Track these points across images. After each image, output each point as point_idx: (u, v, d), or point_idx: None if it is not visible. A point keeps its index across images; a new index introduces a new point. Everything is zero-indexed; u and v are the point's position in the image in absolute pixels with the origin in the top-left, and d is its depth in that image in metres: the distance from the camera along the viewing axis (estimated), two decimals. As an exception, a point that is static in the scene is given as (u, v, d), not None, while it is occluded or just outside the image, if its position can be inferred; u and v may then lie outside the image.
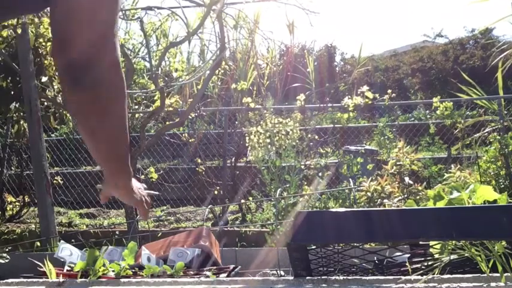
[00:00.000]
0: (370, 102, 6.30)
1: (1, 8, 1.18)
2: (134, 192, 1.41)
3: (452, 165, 4.37)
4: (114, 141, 1.24)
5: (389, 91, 6.48)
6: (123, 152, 1.29)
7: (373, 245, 2.57)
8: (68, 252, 2.19)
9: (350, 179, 4.45)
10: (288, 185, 4.61)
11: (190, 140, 6.53)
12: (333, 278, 1.30)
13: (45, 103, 5.12)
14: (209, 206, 4.56)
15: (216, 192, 5.71)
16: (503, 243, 1.25)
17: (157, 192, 1.66)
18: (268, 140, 5.12)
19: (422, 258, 1.42)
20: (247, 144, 5.35)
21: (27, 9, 1.32)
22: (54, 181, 5.84)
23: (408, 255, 1.55)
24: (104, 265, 1.55)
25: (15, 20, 4.36)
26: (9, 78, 4.91)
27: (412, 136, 6.83)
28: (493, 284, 1.16)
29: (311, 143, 5.95)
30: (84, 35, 1.11)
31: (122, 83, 1.18)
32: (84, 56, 1.10)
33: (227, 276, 1.96)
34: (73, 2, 1.12)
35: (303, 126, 6.13)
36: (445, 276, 1.24)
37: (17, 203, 6.06)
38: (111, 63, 1.14)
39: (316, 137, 6.28)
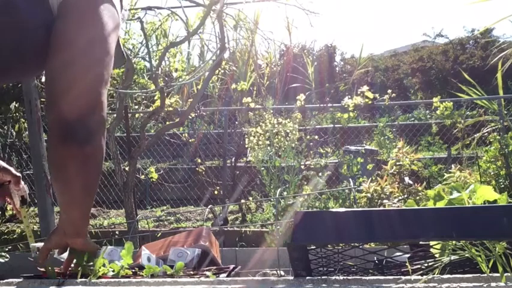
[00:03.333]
0: (370, 102, 6.30)
1: None
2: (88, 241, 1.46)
3: (452, 165, 4.37)
4: (85, 193, 1.28)
5: (389, 91, 6.48)
6: (91, 201, 1.33)
7: (373, 245, 2.57)
8: (68, 252, 2.18)
9: (350, 179, 4.45)
10: (287, 185, 4.61)
11: (190, 140, 6.52)
12: (333, 278, 1.30)
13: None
14: (209, 206, 4.55)
15: (216, 192, 5.70)
16: (503, 243, 1.25)
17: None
18: (267, 141, 5.12)
19: (423, 260, 1.42)
20: (246, 145, 5.35)
21: (20, 71, 1.28)
22: (54, 181, 5.82)
23: (408, 255, 1.55)
24: (104, 265, 1.55)
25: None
26: (9, 78, 4.90)
27: (412, 136, 6.83)
28: (493, 284, 1.16)
29: (311, 143, 5.95)
30: (73, 95, 1.14)
31: (103, 140, 1.21)
32: (72, 115, 1.12)
33: (227, 276, 1.96)
34: (63, 62, 1.15)
35: (303, 127, 6.13)
36: (445, 276, 1.24)
37: (17, 203, 6.04)
38: (98, 123, 1.17)
39: (316, 137, 6.27)
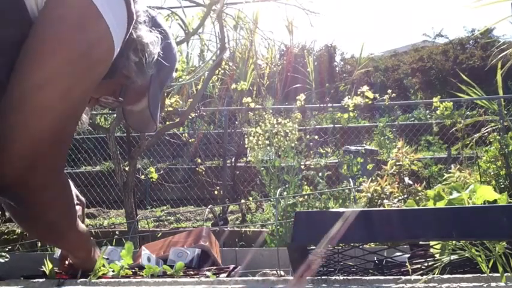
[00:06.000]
0: (370, 102, 6.30)
1: None
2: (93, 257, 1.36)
3: (452, 165, 4.37)
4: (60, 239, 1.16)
5: (389, 91, 6.48)
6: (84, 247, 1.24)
7: (373, 245, 2.57)
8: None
9: (350, 179, 4.45)
10: (287, 185, 4.61)
11: (190, 140, 6.52)
12: (333, 278, 1.30)
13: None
14: (209, 206, 4.55)
15: (216, 192, 5.70)
16: (504, 243, 1.25)
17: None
18: (267, 142, 5.12)
19: (423, 260, 1.42)
20: (246, 146, 5.35)
21: None
22: (54, 181, 5.82)
23: (408, 255, 1.55)
24: (103, 265, 1.55)
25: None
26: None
27: (412, 136, 6.83)
28: (493, 284, 1.16)
29: (311, 143, 5.95)
30: (4, 150, 0.88)
31: (65, 206, 1.03)
32: (15, 173, 0.89)
33: (227, 276, 1.96)
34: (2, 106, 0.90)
35: (303, 127, 6.13)
36: (445, 276, 1.24)
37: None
38: (39, 186, 0.93)
39: (316, 137, 6.27)
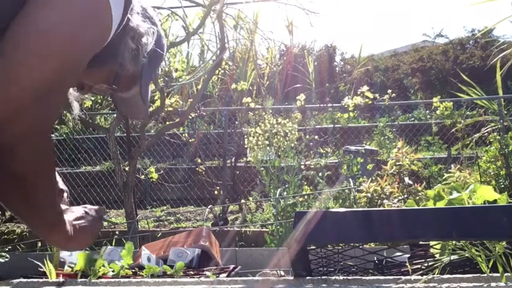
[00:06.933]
0: (370, 102, 6.30)
1: None
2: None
3: (452, 165, 4.37)
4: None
5: (389, 91, 6.48)
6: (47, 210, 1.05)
7: (373, 245, 2.57)
8: (67, 252, 2.19)
9: (350, 179, 4.45)
10: (287, 185, 4.61)
11: (190, 140, 6.52)
12: (333, 278, 1.30)
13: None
14: (209, 206, 4.55)
15: (216, 192, 5.70)
16: (503, 243, 1.25)
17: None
18: (267, 142, 5.12)
19: (423, 260, 1.42)
20: (246, 146, 5.35)
21: None
22: (54, 181, 5.82)
23: (408, 255, 1.55)
24: (103, 265, 1.55)
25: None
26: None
27: (412, 136, 6.83)
28: (493, 284, 1.16)
29: (311, 143, 5.95)
30: None
31: (37, 153, 0.94)
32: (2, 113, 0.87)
33: (227, 276, 1.96)
34: None
35: (302, 127, 6.13)
36: (445, 276, 1.24)
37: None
38: (18, 135, 0.89)
39: (316, 137, 6.28)
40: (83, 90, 1.22)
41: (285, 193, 4.45)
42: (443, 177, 4.22)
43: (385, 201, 3.86)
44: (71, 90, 1.23)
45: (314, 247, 1.43)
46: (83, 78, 1.16)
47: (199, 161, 6.08)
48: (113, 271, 1.60)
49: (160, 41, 1.26)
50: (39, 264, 1.86)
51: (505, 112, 6.29)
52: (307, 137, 5.70)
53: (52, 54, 0.93)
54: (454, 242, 1.31)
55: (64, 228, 1.12)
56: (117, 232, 4.85)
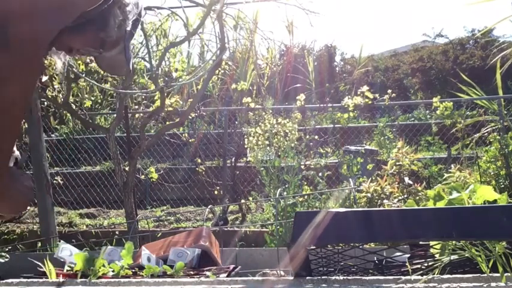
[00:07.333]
0: (370, 102, 6.30)
1: None
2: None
3: (452, 165, 4.37)
4: None
5: (389, 91, 6.48)
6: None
7: (373, 245, 2.57)
8: (68, 252, 2.19)
9: (350, 179, 4.45)
10: (287, 185, 4.61)
11: (190, 140, 6.52)
12: (333, 278, 1.30)
13: (45, 103, 5.11)
14: (209, 206, 4.55)
15: (216, 192, 5.71)
16: (503, 243, 1.25)
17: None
18: (267, 142, 5.12)
19: (423, 260, 1.42)
20: (246, 146, 5.35)
21: None
22: (54, 181, 5.83)
23: (408, 255, 1.55)
24: (103, 265, 1.55)
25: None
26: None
27: (412, 136, 6.83)
28: (493, 284, 1.16)
29: (311, 143, 5.95)
30: None
31: None
32: None
33: (227, 276, 1.97)
34: None
35: (302, 127, 6.13)
36: (445, 276, 1.24)
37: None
38: None
39: (316, 137, 6.27)
40: (71, 52, 1.32)
41: (285, 193, 4.45)
42: (443, 177, 4.22)
43: (385, 201, 3.86)
44: (54, 49, 1.31)
45: (314, 247, 1.43)
46: (71, 42, 1.25)
47: (199, 161, 6.08)
48: (113, 271, 1.60)
49: (138, 5, 1.35)
50: (39, 264, 1.86)
51: (505, 112, 6.29)
52: (307, 137, 5.70)
53: None
54: (454, 242, 1.31)
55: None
56: (117, 232, 4.85)
